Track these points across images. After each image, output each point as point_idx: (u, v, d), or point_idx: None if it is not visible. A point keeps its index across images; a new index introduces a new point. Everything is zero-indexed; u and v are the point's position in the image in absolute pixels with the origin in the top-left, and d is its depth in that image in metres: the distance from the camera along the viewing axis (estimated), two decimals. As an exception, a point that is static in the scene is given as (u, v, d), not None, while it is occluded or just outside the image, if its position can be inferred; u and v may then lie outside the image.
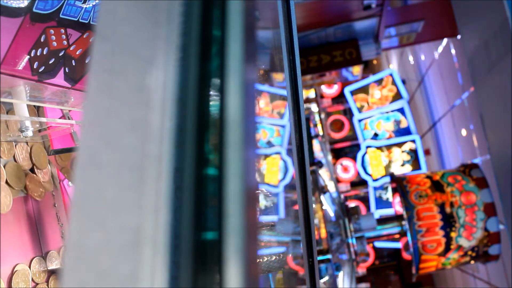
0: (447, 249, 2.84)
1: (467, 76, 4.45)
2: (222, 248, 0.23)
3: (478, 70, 3.99)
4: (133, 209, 0.25)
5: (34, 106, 1.24)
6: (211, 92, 0.27)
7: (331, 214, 3.22)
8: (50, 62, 1.07)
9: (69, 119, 1.31)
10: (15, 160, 1.17)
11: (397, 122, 6.00)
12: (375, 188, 5.87)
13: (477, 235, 2.81)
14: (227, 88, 0.27)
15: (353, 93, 6.43)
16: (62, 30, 1.05)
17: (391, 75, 6.29)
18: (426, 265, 2.94)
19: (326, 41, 4.39)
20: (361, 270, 5.25)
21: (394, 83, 6.27)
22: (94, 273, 0.24)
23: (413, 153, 5.74)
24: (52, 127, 1.23)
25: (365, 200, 6.20)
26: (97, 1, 1.07)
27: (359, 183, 6.65)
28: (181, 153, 0.26)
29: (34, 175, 1.23)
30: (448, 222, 2.81)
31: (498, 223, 2.83)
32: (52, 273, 1.19)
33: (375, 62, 8.39)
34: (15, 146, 1.18)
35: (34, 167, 1.23)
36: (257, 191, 0.30)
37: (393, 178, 3.24)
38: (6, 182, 1.11)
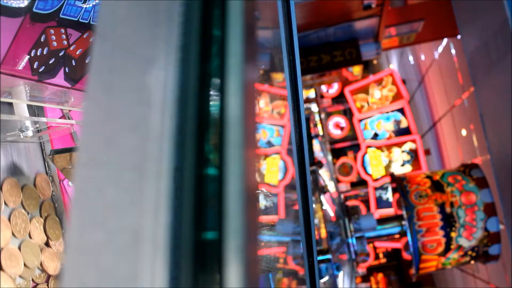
0: (447, 249, 2.84)
1: (467, 76, 4.45)
2: (222, 248, 0.23)
3: (478, 70, 3.99)
4: (133, 209, 0.25)
5: (34, 106, 1.24)
6: (211, 92, 0.27)
7: (331, 214, 3.22)
8: (50, 62, 1.07)
9: (69, 119, 1.31)
10: (30, 237, 1.11)
11: (397, 122, 6.00)
12: (375, 188, 5.87)
13: (477, 235, 2.81)
14: (227, 88, 0.27)
15: (353, 93, 6.43)
16: (62, 30, 1.05)
17: (391, 75, 6.29)
18: (426, 265, 2.94)
19: (326, 41, 4.39)
20: (361, 270, 5.25)
21: (394, 83, 6.26)
22: (94, 273, 0.24)
23: (413, 153, 5.74)
24: (52, 127, 1.23)
25: (365, 200, 6.20)
26: (97, 1, 1.07)
27: (359, 183, 6.64)
28: (181, 153, 0.26)
29: (50, 248, 1.17)
30: (448, 222, 2.81)
31: (498, 223, 2.83)
32: (52, 273, 1.19)
33: (375, 62, 8.38)
34: (30, 221, 1.12)
35: (49, 240, 1.18)
36: (257, 191, 0.30)
37: (393, 178, 3.25)
38: (24, 265, 1.05)
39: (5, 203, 1.06)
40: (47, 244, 1.17)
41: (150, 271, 0.23)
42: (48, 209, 1.22)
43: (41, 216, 1.18)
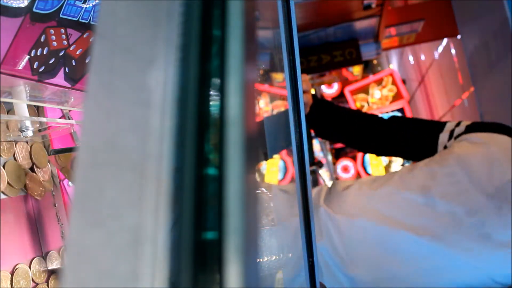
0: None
1: (467, 76, 4.45)
2: (222, 248, 0.23)
3: (478, 70, 3.99)
4: (133, 209, 0.25)
5: (34, 106, 1.24)
6: (211, 92, 0.27)
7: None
8: (50, 62, 1.07)
9: (69, 119, 1.31)
10: (15, 159, 1.17)
11: (397, 122, 5.98)
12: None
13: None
14: (227, 88, 0.27)
15: (353, 93, 6.43)
16: (62, 30, 1.05)
17: (391, 75, 6.28)
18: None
19: (326, 41, 4.39)
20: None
21: (394, 83, 6.26)
22: (94, 273, 0.24)
23: (413, 153, 5.72)
24: (52, 127, 1.23)
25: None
26: (97, 1, 1.07)
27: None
28: (181, 153, 0.26)
29: (34, 174, 1.22)
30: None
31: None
32: (52, 273, 1.19)
33: (375, 62, 8.39)
34: (15, 145, 1.17)
35: (34, 166, 1.23)
36: (257, 191, 0.30)
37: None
38: (8, 183, 1.10)
39: None
40: (32, 169, 1.22)
41: (150, 271, 0.23)
42: (34, 138, 1.26)
43: (27, 143, 1.22)
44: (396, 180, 1.10)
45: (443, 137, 1.15)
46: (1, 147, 1.11)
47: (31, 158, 1.22)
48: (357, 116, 1.34)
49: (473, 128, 1.12)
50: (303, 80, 1.26)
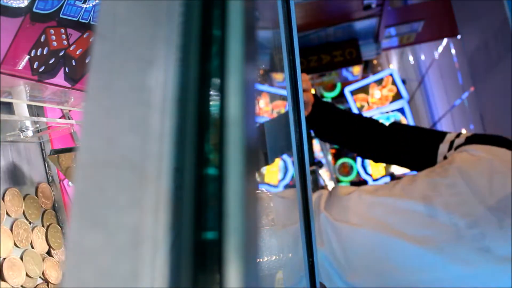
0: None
1: (467, 76, 4.45)
2: (222, 248, 0.23)
3: (478, 70, 3.99)
4: (133, 209, 0.25)
5: (34, 106, 1.24)
6: (211, 92, 0.27)
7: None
8: (50, 62, 1.07)
9: (69, 119, 1.31)
10: (32, 247, 1.11)
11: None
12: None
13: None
14: (227, 88, 0.27)
15: (353, 93, 6.43)
16: (62, 30, 1.05)
17: (391, 75, 6.29)
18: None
19: (326, 41, 4.39)
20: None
21: (394, 83, 6.26)
22: (94, 273, 0.24)
23: (413, 153, 5.73)
24: (52, 127, 1.23)
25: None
26: (97, 1, 1.07)
27: (359, 183, 6.65)
28: (181, 153, 0.26)
29: (51, 258, 1.17)
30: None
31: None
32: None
33: (375, 62, 8.39)
34: (32, 231, 1.11)
35: (51, 249, 1.17)
36: (257, 191, 0.30)
37: (393, 178, 3.24)
38: (26, 274, 1.05)
39: (7, 213, 1.06)
40: (48, 253, 1.17)
41: (150, 271, 0.23)
42: (50, 218, 1.22)
43: (43, 226, 1.18)
44: (398, 190, 1.09)
45: (443, 147, 1.15)
46: (19, 238, 1.05)
47: (47, 242, 1.16)
48: (358, 118, 1.33)
49: (473, 139, 1.12)
50: (303, 79, 1.25)
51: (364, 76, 6.62)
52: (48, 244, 1.17)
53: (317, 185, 4.66)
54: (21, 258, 1.06)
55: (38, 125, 1.16)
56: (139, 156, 0.26)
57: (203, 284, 0.24)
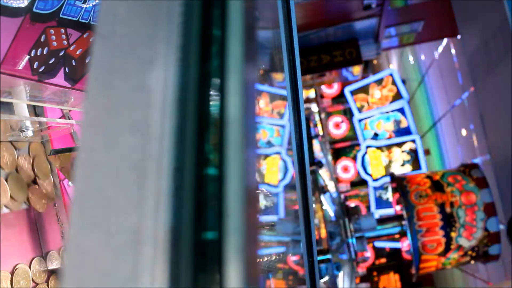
0: (447, 249, 2.83)
1: (467, 76, 4.45)
2: (222, 248, 0.23)
3: (478, 70, 3.99)
4: (133, 209, 0.25)
5: (34, 106, 1.24)
6: (211, 92, 0.27)
7: (331, 214, 3.22)
8: (50, 62, 1.07)
9: (69, 119, 1.31)
10: (17, 171, 1.15)
11: (397, 122, 6.00)
12: (375, 188, 5.87)
13: (477, 235, 2.81)
14: (227, 88, 0.27)
15: (353, 93, 6.43)
16: (62, 30, 1.05)
17: (391, 75, 6.28)
18: (426, 265, 2.94)
19: (326, 41, 4.39)
20: (361, 270, 5.25)
21: (394, 83, 6.26)
22: (94, 273, 0.24)
23: (413, 153, 5.74)
24: (52, 127, 1.23)
25: (365, 200, 6.20)
26: (97, 1, 1.07)
27: (359, 183, 6.64)
28: (181, 153, 0.26)
29: (37, 186, 1.21)
30: (448, 222, 2.81)
31: (498, 223, 2.83)
32: (52, 273, 1.19)
33: (375, 62, 8.39)
34: (18, 157, 1.16)
35: (37, 178, 1.21)
36: (257, 191, 0.30)
37: (393, 178, 3.24)
38: (11, 197, 1.09)
39: None
40: (34, 181, 1.20)
41: (150, 271, 0.23)
42: (37, 149, 1.24)
43: (29, 155, 1.21)
44: None
45: None
46: (4, 160, 1.10)
47: (33, 170, 1.21)
48: None
49: None
50: None
51: (364, 76, 6.62)
52: (34, 173, 1.20)
53: (317, 185, 4.66)
54: (6, 180, 1.09)
55: (38, 125, 1.16)
56: (139, 156, 0.26)
57: (203, 284, 0.24)
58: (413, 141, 5.78)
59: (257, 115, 0.30)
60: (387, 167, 5.83)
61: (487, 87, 3.80)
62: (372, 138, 5.98)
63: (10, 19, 0.90)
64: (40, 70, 1.05)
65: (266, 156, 5.25)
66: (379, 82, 6.35)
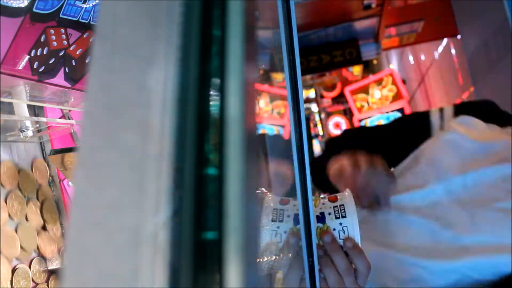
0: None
1: (467, 76, 4.45)
2: (222, 248, 0.23)
3: (478, 70, 3.99)
4: (133, 209, 0.25)
5: (34, 106, 1.24)
6: (211, 92, 0.27)
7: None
8: (50, 62, 1.07)
9: (69, 119, 1.31)
10: (26, 219, 1.12)
11: (397, 122, 5.99)
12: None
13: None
14: (227, 88, 0.27)
15: (353, 93, 6.43)
16: (62, 30, 1.05)
17: (391, 75, 6.28)
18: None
19: (326, 41, 4.39)
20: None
21: (394, 83, 6.26)
22: (94, 273, 0.24)
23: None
24: (52, 127, 1.23)
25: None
26: (97, 1, 1.07)
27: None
28: (181, 153, 0.26)
29: (47, 232, 1.18)
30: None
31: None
32: (52, 273, 1.19)
33: (375, 62, 8.39)
34: (26, 204, 1.12)
35: (45, 223, 1.18)
36: (257, 191, 0.30)
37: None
38: (21, 247, 1.06)
39: (1, 185, 1.06)
40: (43, 228, 1.18)
41: (150, 271, 0.23)
42: (45, 193, 1.22)
43: (37, 200, 1.18)
44: None
45: (435, 119, 1.11)
46: (13, 209, 1.06)
47: (42, 216, 1.17)
48: (364, 132, 1.30)
49: (461, 109, 1.09)
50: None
51: (364, 76, 6.62)
52: (43, 219, 1.17)
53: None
54: (16, 231, 1.06)
55: (38, 125, 1.16)
56: (139, 156, 0.26)
57: (203, 284, 0.24)
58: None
59: (257, 115, 0.30)
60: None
61: (487, 87, 3.80)
62: (372, 138, 5.98)
63: (10, 19, 0.90)
64: (40, 70, 1.05)
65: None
66: (379, 82, 6.35)
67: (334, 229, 0.67)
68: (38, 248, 1.13)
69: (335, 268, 0.65)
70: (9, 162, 1.10)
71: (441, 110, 1.12)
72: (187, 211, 0.25)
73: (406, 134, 1.15)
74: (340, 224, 0.67)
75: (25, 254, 1.08)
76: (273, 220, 0.69)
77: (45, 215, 1.18)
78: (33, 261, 1.14)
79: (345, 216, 0.67)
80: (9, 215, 1.05)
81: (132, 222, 0.24)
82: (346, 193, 0.71)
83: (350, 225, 0.67)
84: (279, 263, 0.68)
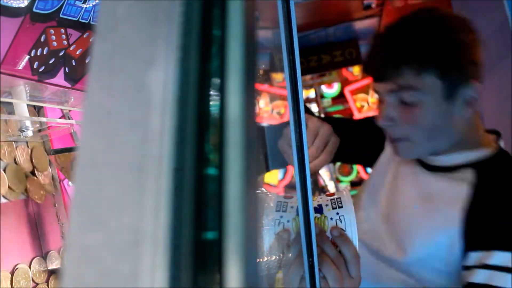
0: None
1: (467, 76, 4.44)
2: (222, 248, 0.23)
3: (478, 70, 3.97)
4: (133, 209, 0.25)
5: (34, 106, 1.24)
6: (211, 92, 0.27)
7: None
8: (50, 62, 1.07)
9: (69, 119, 1.31)
10: (15, 163, 1.17)
11: (397, 122, 5.97)
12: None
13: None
14: (227, 88, 0.27)
15: (353, 93, 6.42)
16: (62, 30, 1.05)
17: (391, 75, 6.26)
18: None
19: (326, 41, 4.39)
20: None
21: (394, 83, 6.24)
22: (94, 273, 0.24)
23: (413, 153, 5.73)
24: (52, 127, 1.23)
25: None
26: (97, 1, 1.07)
27: (359, 183, 6.64)
28: (181, 153, 0.26)
29: (35, 177, 1.22)
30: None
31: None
32: (52, 273, 1.19)
33: (375, 62, 8.37)
34: (16, 148, 1.17)
35: (35, 169, 1.23)
36: (257, 191, 0.30)
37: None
38: (9, 187, 1.11)
39: None
40: (32, 173, 1.22)
41: (150, 271, 0.23)
42: (36, 141, 1.25)
43: (27, 146, 1.22)
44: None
45: None
46: (2, 150, 1.11)
47: (32, 162, 1.22)
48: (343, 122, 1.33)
49: None
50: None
51: (364, 76, 6.61)
52: (32, 164, 1.21)
53: (317, 185, 4.66)
54: (4, 171, 1.11)
55: (38, 125, 1.16)
56: (139, 156, 0.26)
57: (203, 284, 0.24)
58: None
59: (257, 115, 0.30)
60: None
61: (487, 87, 3.80)
62: (372, 138, 5.97)
63: (10, 19, 0.90)
64: (40, 70, 1.05)
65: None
66: (379, 82, 6.33)
67: (331, 219, 0.70)
68: (26, 191, 1.18)
69: (334, 265, 0.66)
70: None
71: None
72: (187, 211, 0.25)
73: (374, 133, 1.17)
74: (337, 213, 0.71)
75: (13, 193, 1.13)
76: (277, 210, 0.72)
77: (35, 161, 1.23)
78: (33, 261, 1.14)
79: (341, 207, 0.71)
80: (-2, 157, 1.10)
81: (132, 222, 0.24)
82: (344, 192, 0.76)
83: (346, 214, 0.70)
84: (279, 262, 0.68)
